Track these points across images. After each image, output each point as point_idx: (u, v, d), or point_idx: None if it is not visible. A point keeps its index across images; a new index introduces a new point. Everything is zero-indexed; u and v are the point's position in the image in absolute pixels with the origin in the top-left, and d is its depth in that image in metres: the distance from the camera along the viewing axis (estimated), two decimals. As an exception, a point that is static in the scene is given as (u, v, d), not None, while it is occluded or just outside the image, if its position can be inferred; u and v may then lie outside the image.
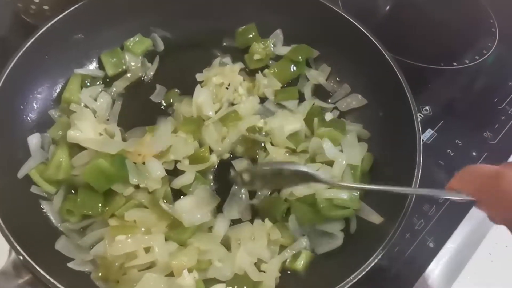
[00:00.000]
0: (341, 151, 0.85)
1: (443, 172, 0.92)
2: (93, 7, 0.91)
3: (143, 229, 0.74)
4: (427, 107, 1.01)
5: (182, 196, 0.80)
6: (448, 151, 0.95)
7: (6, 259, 0.65)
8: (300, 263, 0.75)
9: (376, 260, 0.68)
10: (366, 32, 0.92)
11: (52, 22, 0.85)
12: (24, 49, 0.82)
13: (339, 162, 0.83)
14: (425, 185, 0.78)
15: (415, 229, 0.84)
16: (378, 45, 0.90)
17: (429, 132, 0.97)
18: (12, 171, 0.77)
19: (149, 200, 0.78)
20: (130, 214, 0.74)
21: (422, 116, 0.99)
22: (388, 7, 1.28)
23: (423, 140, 0.94)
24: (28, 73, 0.84)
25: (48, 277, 0.61)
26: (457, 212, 0.86)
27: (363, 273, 0.67)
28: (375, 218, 0.77)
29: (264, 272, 0.74)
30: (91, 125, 0.83)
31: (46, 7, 0.89)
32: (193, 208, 0.77)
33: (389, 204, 0.75)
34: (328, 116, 0.91)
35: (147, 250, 0.72)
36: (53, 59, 0.88)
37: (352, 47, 0.95)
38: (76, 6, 0.88)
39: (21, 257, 0.62)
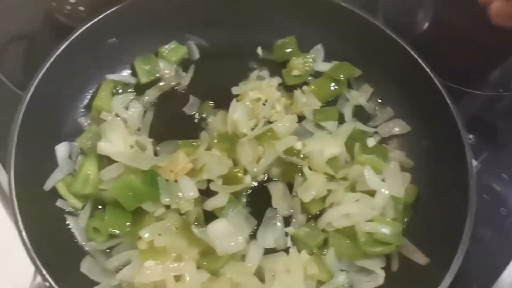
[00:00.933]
0: (383, 180, 0.80)
1: (488, 208, 0.86)
2: (129, 11, 0.87)
3: (173, 254, 0.70)
4: (470, 136, 0.96)
5: (214, 220, 0.75)
6: (493, 185, 0.90)
7: (31, 281, 0.60)
8: (338, 302, 0.71)
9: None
10: (413, 53, 0.87)
11: (88, 25, 0.82)
12: (58, 52, 0.78)
13: (381, 193, 0.77)
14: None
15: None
16: (426, 68, 0.85)
17: (473, 163, 0.91)
18: (39, 182, 0.73)
19: (181, 223, 0.73)
20: (160, 240, 0.69)
21: (467, 146, 0.94)
22: (426, 25, 1.22)
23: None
24: (60, 77, 0.80)
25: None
26: (504, 253, 0.81)
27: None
28: (420, 258, 0.72)
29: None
30: (122, 136, 0.79)
31: (81, 8, 0.85)
32: (227, 234, 0.72)
33: (438, 243, 0.71)
34: (370, 142, 0.86)
35: (177, 278, 0.67)
36: (86, 64, 0.84)
37: (397, 68, 0.90)
38: (113, 9, 0.84)
39: (47, 284, 0.58)
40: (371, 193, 0.78)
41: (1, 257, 0.74)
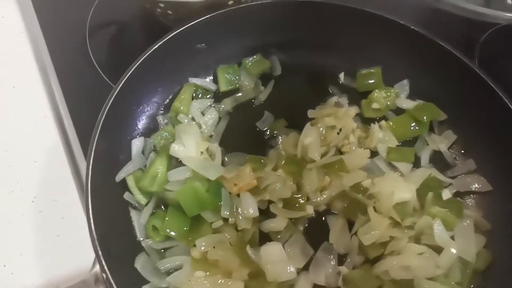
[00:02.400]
0: (453, 238, 0.74)
1: None
2: (221, 20, 0.88)
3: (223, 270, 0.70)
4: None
5: (269, 242, 0.74)
6: None
7: (90, 268, 0.63)
8: None
9: None
10: (508, 103, 0.80)
11: (181, 28, 0.84)
12: (151, 51, 0.81)
13: (449, 252, 0.72)
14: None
15: None
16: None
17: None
18: (111, 172, 0.76)
19: (236, 240, 0.73)
20: (214, 253, 0.70)
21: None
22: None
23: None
24: (149, 75, 0.83)
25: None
26: None
27: None
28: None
29: None
30: (195, 141, 0.80)
31: (170, 12, 0.88)
32: (280, 259, 0.71)
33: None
34: (446, 194, 0.80)
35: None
36: (173, 65, 0.87)
37: (489, 119, 0.83)
38: (207, 16, 0.86)
39: (104, 275, 0.60)
40: (438, 250, 0.73)
41: (66, 241, 0.79)
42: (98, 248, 0.62)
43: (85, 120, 0.88)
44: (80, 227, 0.80)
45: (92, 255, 0.68)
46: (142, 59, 0.80)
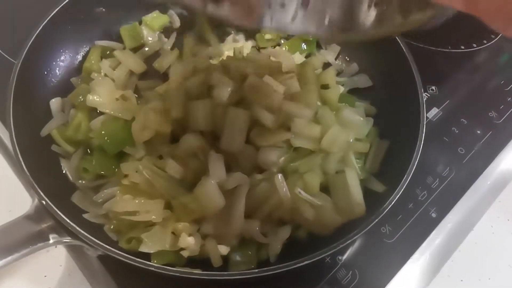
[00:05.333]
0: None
1: (446, 147, 0.94)
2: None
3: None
4: (433, 87, 1.03)
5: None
6: (453, 128, 0.97)
7: (30, 204, 0.69)
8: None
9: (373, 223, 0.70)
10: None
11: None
12: (48, 18, 0.87)
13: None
14: (427, 157, 0.82)
15: (418, 200, 0.86)
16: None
17: (434, 110, 0.99)
18: (36, 130, 0.82)
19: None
20: (135, 176, 0.76)
21: (429, 95, 1.01)
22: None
23: (428, 118, 0.97)
24: (52, 41, 0.89)
25: (66, 219, 0.66)
26: (460, 184, 0.88)
27: (361, 232, 0.69)
28: (378, 187, 0.80)
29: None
30: (109, 91, 0.88)
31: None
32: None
33: (393, 173, 0.78)
34: (340, 90, 0.93)
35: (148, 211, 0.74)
36: (76, 30, 0.93)
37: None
38: (98, -19, 0.94)
39: (44, 202, 0.66)
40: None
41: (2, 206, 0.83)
42: (33, 181, 0.68)
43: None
44: (13, 188, 0.85)
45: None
46: (37, 31, 0.85)
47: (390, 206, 0.71)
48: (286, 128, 0.80)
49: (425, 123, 0.80)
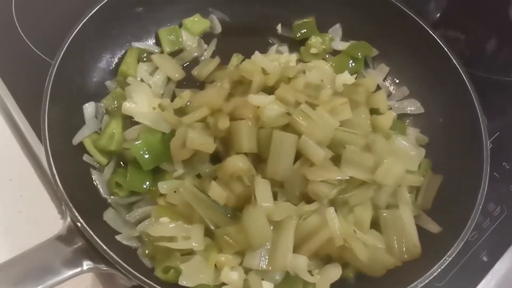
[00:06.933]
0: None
1: (497, 184, 0.88)
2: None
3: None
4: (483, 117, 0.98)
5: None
6: (504, 163, 0.92)
7: (62, 223, 0.63)
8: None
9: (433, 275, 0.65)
10: (432, 33, 0.89)
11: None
12: (87, 17, 0.81)
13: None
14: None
15: (467, 240, 0.81)
16: (445, 48, 0.87)
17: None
18: (68, 137, 0.76)
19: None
20: (172, 197, 0.71)
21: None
22: (438, 14, 1.23)
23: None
24: (89, 42, 0.83)
25: (102, 245, 0.60)
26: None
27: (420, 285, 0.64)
28: (433, 227, 0.74)
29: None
30: (146, 98, 0.82)
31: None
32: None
33: (450, 214, 0.73)
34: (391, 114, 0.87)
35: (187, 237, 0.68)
36: (114, 31, 0.88)
37: (415, 48, 0.93)
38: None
39: (79, 224, 0.60)
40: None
41: (29, 217, 0.78)
42: (68, 199, 0.62)
43: (28, 98, 0.86)
44: (40, 201, 0.80)
45: (59, 225, 0.67)
46: (76, 31, 0.79)
47: (454, 254, 0.65)
48: (336, 155, 0.75)
49: (489, 160, 0.74)
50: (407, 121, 0.92)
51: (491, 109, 0.99)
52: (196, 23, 0.96)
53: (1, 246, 0.74)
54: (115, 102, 0.82)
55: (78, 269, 0.59)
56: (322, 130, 0.72)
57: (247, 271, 0.67)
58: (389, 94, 0.95)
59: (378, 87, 0.94)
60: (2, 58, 0.93)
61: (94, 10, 0.83)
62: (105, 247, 0.60)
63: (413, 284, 0.63)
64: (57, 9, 1.01)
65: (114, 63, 0.89)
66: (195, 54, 0.95)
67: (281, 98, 0.76)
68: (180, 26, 0.96)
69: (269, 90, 0.80)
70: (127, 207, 0.75)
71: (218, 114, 0.75)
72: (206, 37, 0.98)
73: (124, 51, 0.90)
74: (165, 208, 0.72)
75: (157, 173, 0.77)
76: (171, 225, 0.69)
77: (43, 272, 0.56)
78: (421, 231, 0.74)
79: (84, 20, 0.81)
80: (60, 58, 0.76)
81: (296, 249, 0.69)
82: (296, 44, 0.99)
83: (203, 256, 0.66)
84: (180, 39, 0.94)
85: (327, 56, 0.99)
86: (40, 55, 0.93)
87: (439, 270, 0.64)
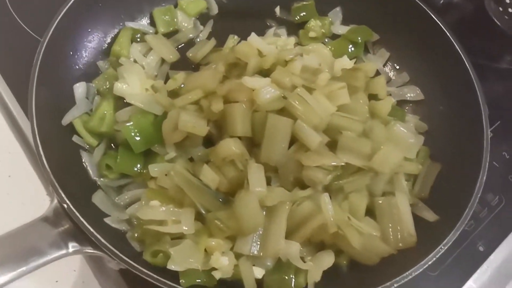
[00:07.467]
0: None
1: (496, 174, 0.86)
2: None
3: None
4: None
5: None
6: (503, 153, 0.90)
7: (48, 205, 0.61)
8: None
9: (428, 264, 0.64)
10: (435, 19, 0.87)
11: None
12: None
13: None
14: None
15: (464, 229, 0.79)
16: (448, 34, 0.85)
17: (485, 132, 0.92)
18: (57, 117, 0.74)
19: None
20: (163, 180, 0.69)
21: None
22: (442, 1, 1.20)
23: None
24: (81, 19, 0.81)
25: (89, 227, 0.58)
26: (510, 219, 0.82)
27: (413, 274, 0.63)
28: (429, 215, 0.73)
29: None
30: (139, 79, 0.80)
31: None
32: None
33: (447, 203, 0.71)
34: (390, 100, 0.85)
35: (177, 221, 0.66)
36: (106, 8, 0.85)
37: (417, 33, 0.90)
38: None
39: (66, 206, 0.59)
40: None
41: (16, 198, 0.76)
42: (54, 180, 0.61)
43: (18, 77, 0.83)
44: (30, 182, 0.78)
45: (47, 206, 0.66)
46: (65, 9, 0.77)
47: (450, 244, 0.64)
48: (333, 140, 0.73)
49: (489, 149, 0.72)
50: (407, 108, 0.90)
51: (493, 97, 0.98)
52: (192, 3, 0.93)
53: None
54: (107, 83, 0.80)
55: (63, 251, 0.58)
56: (319, 114, 0.70)
57: (238, 256, 0.65)
58: (388, 80, 0.93)
59: (378, 73, 0.92)
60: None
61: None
62: (92, 230, 0.59)
63: (407, 273, 0.62)
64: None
65: (107, 43, 0.86)
66: (191, 35, 0.92)
67: (277, 81, 0.73)
68: (176, 6, 0.93)
69: (265, 73, 0.78)
70: (117, 189, 0.74)
71: (212, 96, 0.74)
72: (202, 18, 0.95)
73: (117, 31, 0.87)
74: (155, 191, 0.70)
75: (148, 155, 0.75)
76: (161, 209, 0.67)
77: (27, 253, 0.55)
78: (417, 219, 0.72)
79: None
80: (49, 35, 0.73)
81: (289, 235, 0.67)
82: (295, 28, 0.97)
83: (193, 241, 0.64)
84: (175, 20, 0.92)
85: (326, 40, 0.96)
86: (29, 33, 0.90)
87: (434, 259, 0.62)
